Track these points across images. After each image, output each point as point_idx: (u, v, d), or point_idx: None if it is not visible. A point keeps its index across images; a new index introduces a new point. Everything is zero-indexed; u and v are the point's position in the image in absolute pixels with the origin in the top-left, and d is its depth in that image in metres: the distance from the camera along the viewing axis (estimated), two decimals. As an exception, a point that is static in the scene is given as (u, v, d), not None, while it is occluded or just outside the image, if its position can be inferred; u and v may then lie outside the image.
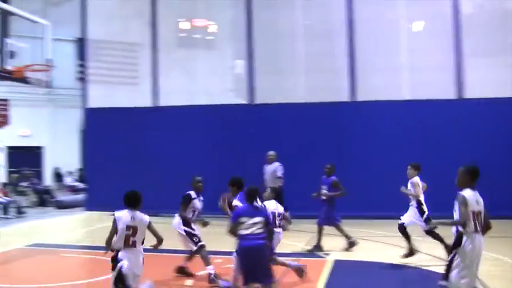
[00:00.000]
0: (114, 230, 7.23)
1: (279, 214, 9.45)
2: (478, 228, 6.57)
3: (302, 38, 19.64)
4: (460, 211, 6.54)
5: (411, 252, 11.38)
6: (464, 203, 6.52)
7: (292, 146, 19.18)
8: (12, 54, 16.92)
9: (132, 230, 7.21)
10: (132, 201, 7.43)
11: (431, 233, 11.08)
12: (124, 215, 7.30)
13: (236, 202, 8.82)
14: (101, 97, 21.56)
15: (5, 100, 35.41)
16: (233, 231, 7.79)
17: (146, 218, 7.40)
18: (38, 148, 36.76)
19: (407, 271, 10.95)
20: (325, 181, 13.73)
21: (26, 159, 35.96)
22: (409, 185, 11.49)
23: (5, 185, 23.88)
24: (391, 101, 18.94)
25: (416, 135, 18.49)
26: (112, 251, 7.20)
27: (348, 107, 19.18)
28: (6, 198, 21.12)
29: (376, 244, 14.14)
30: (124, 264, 7.04)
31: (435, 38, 19.40)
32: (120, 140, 20.42)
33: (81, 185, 28.03)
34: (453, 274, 6.56)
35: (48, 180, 35.27)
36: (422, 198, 11.45)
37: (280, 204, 10.02)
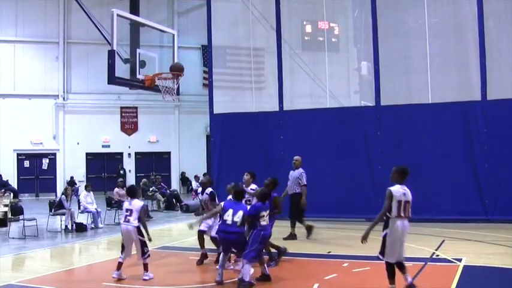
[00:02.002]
0: None
1: None
2: (402, 214, 8.55)
3: (428, 37, 18.94)
4: (384, 203, 8.59)
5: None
6: (389, 196, 8.55)
7: (419, 148, 18.70)
8: (143, 64, 17.43)
9: (130, 211, 10.54)
10: (129, 192, 11.27)
11: None
12: (126, 203, 10.89)
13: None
14: (226, 102, 21.92)
15: (134, 108, 37.02)
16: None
17: (140, 204, 10.69)
18: (166, 153, 37.94)
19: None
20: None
21: (154, 164, 37.27)
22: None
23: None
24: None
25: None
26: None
27: (479, 106, 18.31)
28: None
29: (506, 249, 13.43)
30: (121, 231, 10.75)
31: None
32: (245, 145, 20.64)
33: (207, 189, 28.50)
34: (386, 250, 8.56)
35: (175, 184, 36.29)
36: None
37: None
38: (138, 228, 10.51)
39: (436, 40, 18.94)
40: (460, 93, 18.55)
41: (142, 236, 10.55)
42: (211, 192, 12.35)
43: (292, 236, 15.33)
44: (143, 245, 10.54)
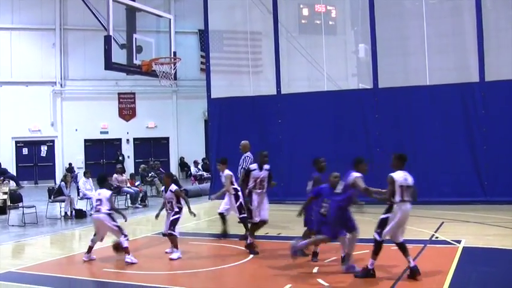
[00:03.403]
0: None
1: None
2: (406, 199, 8.93)
3: (426, 18, 18.83)
4: (388, 188, 9.05)
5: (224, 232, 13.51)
6: (391, 182, 8.99)
7: (417, 130, 18.68)
8: (139, 49, 17.39)
9: (100, 201, 10.96)
10: (98, 181, 11.57)
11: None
12: (95, 193, 11.43)
13: None
14: (223, 87, 21.87)
15: (132, 94, 36.96)
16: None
17: (108, 193, 11.13)
18: (164, 139, 37.93)
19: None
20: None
21: (152, 149, 37.26)
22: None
23: (132, 175, 24.67)
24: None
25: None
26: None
27: (477, 88, 18.24)
28: (134, 188, 21.79)
29: (505, 230, 13.45)
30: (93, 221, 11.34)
31: None
32: (243, 129, 20.52)
33: (206, 174, 28.58)
34: (385, 229, 8.93)
35: (174, 170, 36.29)
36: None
37: None
38: (109, 215, 10.98)
39: (433, 21, 18.85)
40: (458, 74, 18.51)
41: (115, 221, 11.04)
42: (270, 168, 11.93)
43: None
44: (120, 229, 11.02)
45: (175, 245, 11.22)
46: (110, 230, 11.06)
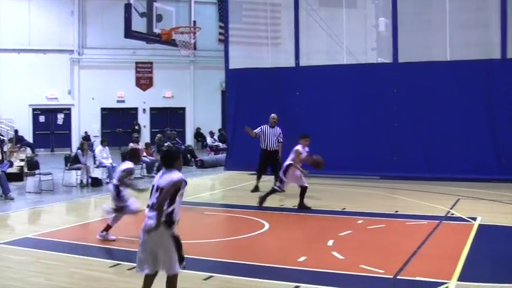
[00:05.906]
0: None
1: None
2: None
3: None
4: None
5: None
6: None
7: (436, 106, 18.51)
8: (159, 18, 17.35)
9: None
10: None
11: None
12: None
13: None
14: (242, 58, 21.74)
15: (149, 63, 36.92)
16: None
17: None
18: (181, 109, 37.95)
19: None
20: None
21: (168, 119, 37.28)
22: None
23: (148, 145, 24.68)
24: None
25: None
26: None
27: (498, 65, 17.99)
28: (150, 157, 21.83)
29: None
30: None
31: None
32: (261, 100, 20.43)
33: (222, 145, 28.62)
34: None
35: (190, 140, 36.37)
36: None
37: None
38: None
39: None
40: (480, 51, 18.22)
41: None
42: None
43: (257, 188, 15.97)
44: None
45: None
46: None
